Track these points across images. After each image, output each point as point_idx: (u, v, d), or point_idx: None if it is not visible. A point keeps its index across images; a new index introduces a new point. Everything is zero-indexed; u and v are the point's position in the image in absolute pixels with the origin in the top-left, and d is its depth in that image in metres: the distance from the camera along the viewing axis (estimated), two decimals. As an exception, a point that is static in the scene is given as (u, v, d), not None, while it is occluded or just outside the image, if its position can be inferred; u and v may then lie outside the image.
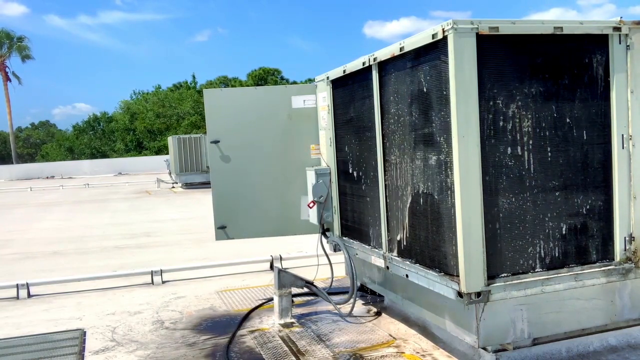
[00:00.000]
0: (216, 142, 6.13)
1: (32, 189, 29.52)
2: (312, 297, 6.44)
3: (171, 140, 25.63)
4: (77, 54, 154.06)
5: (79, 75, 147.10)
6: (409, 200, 4.42)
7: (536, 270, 3.98)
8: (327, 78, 5.76)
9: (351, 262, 5.60)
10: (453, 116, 3.72)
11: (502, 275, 3.89)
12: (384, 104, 4.67)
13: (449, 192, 3.88)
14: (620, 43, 4.06)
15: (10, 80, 53.16)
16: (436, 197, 4.05)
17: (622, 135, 4.10)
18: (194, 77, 59.27)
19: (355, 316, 5.78)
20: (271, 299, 6.22)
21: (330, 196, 5.91)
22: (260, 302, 6.52)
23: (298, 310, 6.09)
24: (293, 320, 5.76)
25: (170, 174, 27.80)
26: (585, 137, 4.06)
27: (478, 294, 3.77)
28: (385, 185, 4.78)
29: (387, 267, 4.84)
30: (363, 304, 6.18)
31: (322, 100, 5.98)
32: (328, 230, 6.06)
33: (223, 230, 6.24)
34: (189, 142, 24.99)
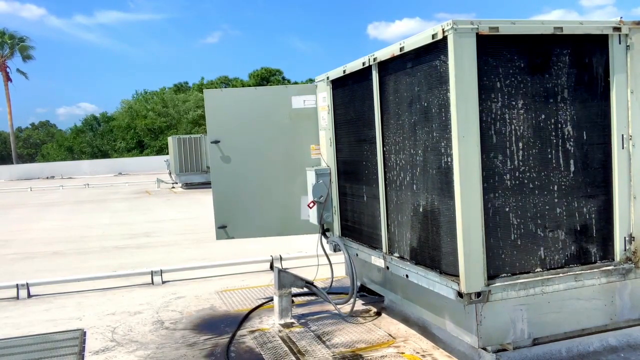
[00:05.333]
0: (217, 142, 6.13)
1: (32, 189, 29.53)
2: (312, 297, 6.44)
3: (171, 141, 25.65)
4: (77, 55, 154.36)
5: (82, 75, 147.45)
6: (409, 201, 4.42)
7: (536, 270, 3.98)
8: (327, 78, 5.76)
9: (351, 262, 5.60)
10: (453, 116, 3.72)
11: (502, 275, 3.89)
12: (384, 104, 4.67)
13: (448, 192, 3.88)
14: (620, 43, 4.06)
15: (11, 81, 53.21)
16: (436, 197, 4.05)
17: (622, 135, 4.10)
18: (202, 79, 59.30)
19: (355, 316, 5.78)
20: (271, 299, 6.22)
21: (330, 196, 5.91)
22: (260, 301, 6.53)
23: (298, 310, 6.09)
24: (293, 320, 5.76)
25: (170, 174, 27.82)
26: (585, 137, 4.06)
27: (478, 294, 3.77)
28: (385, 185, 4.78)
29: (387, 268, 4.84)
30: (363, 304, 6.18)
31: (322, 101, 5.98)
32: (328, 230, 6.06)
33: (223, 230, 6.25)
34: (189, 142, 25.00)
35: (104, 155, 54.67)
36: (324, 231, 6.05)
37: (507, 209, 3.90)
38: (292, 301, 5.89)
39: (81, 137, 57.78)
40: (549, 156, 3.98)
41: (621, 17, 4.04)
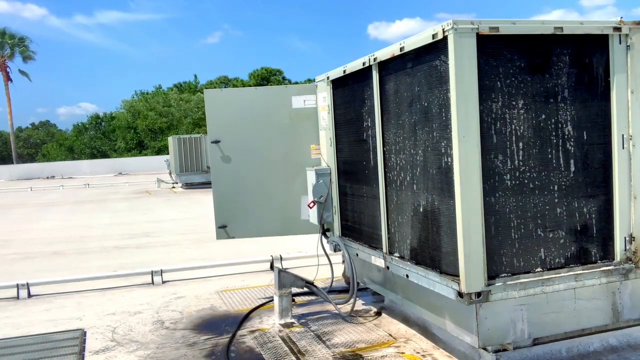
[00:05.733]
0: (217, 142, 6.13)
1: (32, 189, 29.53)
2: (312, 297, 6.44)
3: (171, 140, 25.66)
4: (77, 55, 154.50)
5: (82, 75, 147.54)
6: (410, 201, 4.42)
7: (536, 270, 3.98)
8: (328, 78, 5.76)
9: (351, 262, 5.60)
10: (453, 116, 3.72)
11: (502, 275, 3.89)
12: (384, 104, 4.67)
13: (449, 192, 3.87)
14: (620, 43, 4.05)
15: (11, 80, 53.21)
16: (436, 197, 4.05)
17: (622, 135, 4.10)
18: (195, 77, 59.34)
19: (356, 316, 5.78)
20: (271, 299, 6.22)
21: (331, 196, 5.90)
22: (260, 301, 6.52)
23: (298, 310, 6.09)
24: (293, 320, 5.76)
25: (170, 174, 27.82)
26: (585, 137, 4.06)
27: (478, 294, 3.77)
28: (386, 185, 4.78)
29: (387, 267, 4.84)
30: (363, 304, 6.18)
31: (322, 101, 5.97)
32: (328, 230, 6.05)
33: (224, 230, 6.25)
34: (189, 142, 25.00)
35: (104, 155, 54.66)
36: (324, 231, 6.05)
37: (507, 209, 3.89)
38: (293, 300, 5.89)
39: (81, 138, 57.78)
40: (549, 156, 3.98)
41: (621, 17, 4.04)
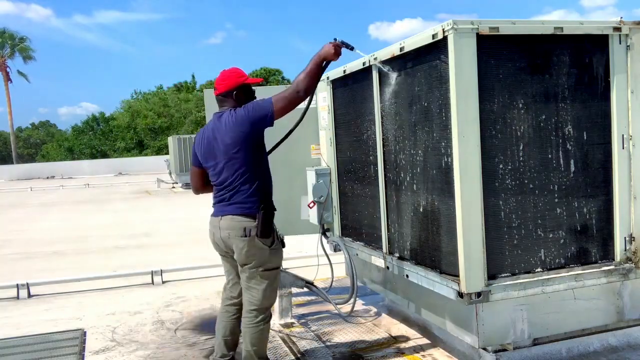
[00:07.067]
0: (216, 142, 6.12)
1: (32, 189, 29.54)
2: (312, 297, 6.44)
3: (171, 140, 25.70)
4: (78, 55, 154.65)
5: (83, 75, 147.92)
6: (409, 201, 4.42)
7: (536, 270, 3.98)
8: (327, 78, 5.76)
9: (351, 262, 5.60)
10: (453, 116, 3.72)
11: (503, 275, 3.89)
12: (384, 104, 4.67)
13: (449, 192, 3.87)
14: (620, 43, 4.05)
15: (11, 81, 53.23)
16: (436, 197, 4.05)
17: (622, 135, 4.10)
18: (193, 77, 59.33)
19: (356, 316, 5.79)
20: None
21: (330, 196, 5.90)
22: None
23: (298, 310, 6.09)
24: (293, 320, 5.76)
25: (170, 174, 27.84)
26: (585, 138, 4.06)
27: (478, 294, 3.77)
28: (386, 185, 4.78)
29: (387, 268, 4.84)
30: (363, 304, 6.18)
31: (322, 100, 5.97)
32: (328, 230, 6.05)
33: (223, 231, 6.23)
34: (189, 142, 25.01)
35: (104, 155, 54.68)
36: (324, 231, 6.04)
37: (507, 209, 3.89)
38: (294, 299, 5.88)
39: (81, 138, 57.81)
40: (549, 156, 3.98)
41: (621, 17, 4.03)
